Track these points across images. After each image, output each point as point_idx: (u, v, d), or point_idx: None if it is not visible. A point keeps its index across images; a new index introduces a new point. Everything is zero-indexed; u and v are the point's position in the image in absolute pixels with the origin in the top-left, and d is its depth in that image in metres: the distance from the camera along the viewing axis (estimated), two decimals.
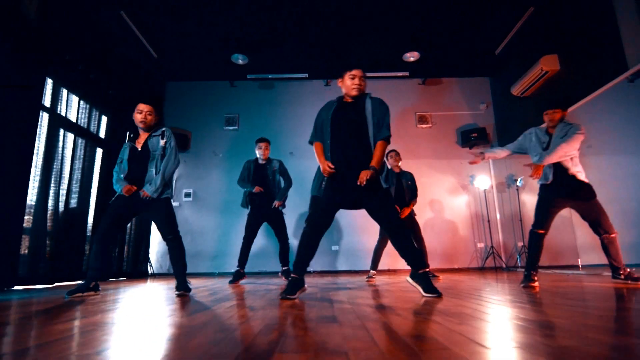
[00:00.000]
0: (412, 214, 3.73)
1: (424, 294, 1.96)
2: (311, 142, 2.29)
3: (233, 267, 4.25)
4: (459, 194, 5.73)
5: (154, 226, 5.46)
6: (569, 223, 5.26)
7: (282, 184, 3.86)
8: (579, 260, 4.47)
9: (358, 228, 5.46)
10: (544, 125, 2.76)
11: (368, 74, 5.83)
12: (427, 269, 3.66)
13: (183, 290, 2.37)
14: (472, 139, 5.66)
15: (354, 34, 4.93)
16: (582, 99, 3.91)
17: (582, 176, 2.57)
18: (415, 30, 4.83)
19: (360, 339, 0.97)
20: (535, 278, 2.52)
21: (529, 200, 5.54)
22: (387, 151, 3.78)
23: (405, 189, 3.71)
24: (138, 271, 5.06)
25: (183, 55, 5.35)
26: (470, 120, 5.99)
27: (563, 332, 0.99)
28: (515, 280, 3.13)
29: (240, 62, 5.43)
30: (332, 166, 2.05)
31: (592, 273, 3.85)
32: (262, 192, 3.68)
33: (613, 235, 2.53)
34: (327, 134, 2.16)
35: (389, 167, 3.82)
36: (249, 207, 3.76)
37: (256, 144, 3.81)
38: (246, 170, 3.83)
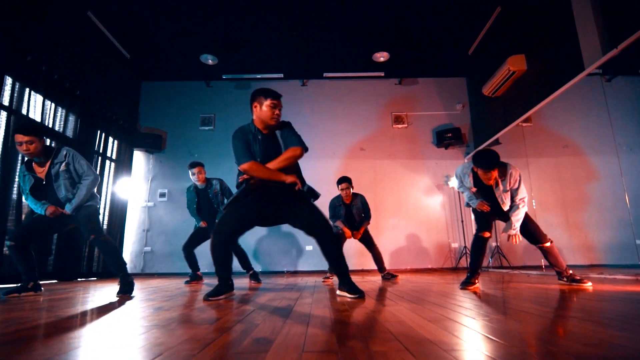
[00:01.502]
0: (367, 232, 3.72)
1: (350, 296, 1.97)
2: (240, 163, 2.05)
3: (205, 267, 4.26)
4: (433, 194, 5.72)
5: (127, 226, 5.47)
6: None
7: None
8: (542, 261, 4.46)
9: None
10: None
11: (343, 74, 5.90)
12: (386, 271, 3.68)
13: (122, 293, 2.34)
14: (447, 138, 5.65)
15: (325, 33, 4.93)
16: (545, 99, 3.90)
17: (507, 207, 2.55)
18: (384, 30, 4.84)
19: (325, 342, 0.97)
20: (477, 281, 2.51)
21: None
22: (340, 179, 3.69)
23: (354, 214, 3.69)
24: (109, 271, 5.06)
25: (156, 55, 5.36)
26: (447, 120, 5.99)
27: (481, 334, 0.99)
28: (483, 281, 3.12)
29: (210, 62, 5.44)
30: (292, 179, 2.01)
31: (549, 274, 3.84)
32: (206, 210, 3.71)
33: (548, 244, 2.53)
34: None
35: (342, 198, 3.73)
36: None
37: (189, 170, 3.69)
38: (192, 199, 3.75)
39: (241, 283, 3.34)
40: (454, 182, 5.50)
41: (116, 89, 5.42)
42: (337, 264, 2.07)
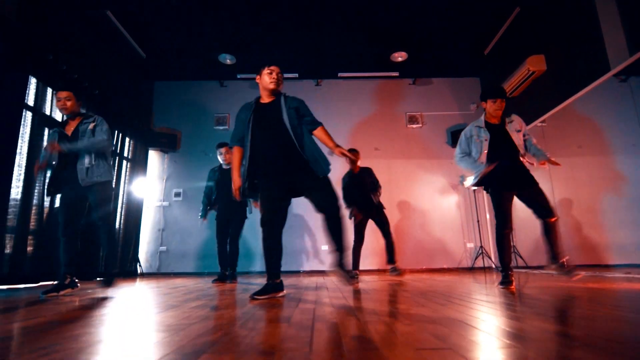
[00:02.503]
0: (381, 209, 3.75)
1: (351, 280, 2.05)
2: (231, 147, 2.34)
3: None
4: (448, 194, 5.73)
5: (143, 226, 5.47)
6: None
7: None
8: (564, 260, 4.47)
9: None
10: (480, 118, 2.70)
11: (358, 74, 5.91)
12: (395, 264, 3.67)
13: (106, 284, 2.41)
14: None
15: (342, 34, 4.93)
16: (567, 100, 3.90)
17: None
18: (403, 30, 4.84)
19: (297, 340, 0.97)
20: (512, 279, 2.51)
21: (517, 201, 5.52)
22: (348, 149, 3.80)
23: (366, 182, 3.73)
24: (127, 271, 5.06)
25: (171, 55, 5.35)
26: (461, 120, 5.99)
27: (517, 335, 0.99)
28: (497, 281, 3.13)
29: (228, 62, 5.44)
30: (239, 187, 2.17)
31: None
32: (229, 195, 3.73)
33: (555, 219, 2.48)
34: (247, 136, 2.19)
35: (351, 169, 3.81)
36: (215, 210, 3.78)
37: (217, 150, 3.75)
38: (212, 178, 3.81)
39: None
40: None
41: (131, 88, 5.42)
42: (337, 241, 2.09)
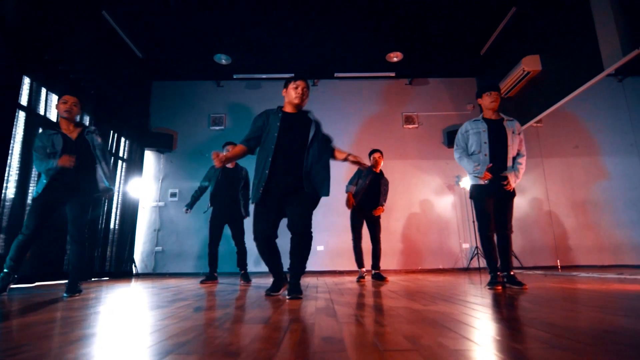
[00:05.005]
0: (379, 217, 3.76)
1: (287, 297, 2.02)
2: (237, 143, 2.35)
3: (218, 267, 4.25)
4: (444, 195, 5.72)
5: (138, 226, 5.47)
6: (548, 223, 5.25)
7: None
8: (557, 261, 4.46)
9: (344, 228, 5.45)
10: (478, 116, 2.73)
11: (354, 74, 5.90)
12: (378, 270, 3.62)
13: (71, 293, 2.34)
14: None
15: (338, 34, 4.93)
16: (562, 99, 3.90)
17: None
18: (399, 30, 4.83)
19: (268, 341, 0.96)
20: (500, 279, 2.51)
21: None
22: (373, 149, 3.85)
23: (381, 184, 3.72)
24: (122, 271, 5.06)
25: (168, 55, 5.36)
26: (457, 120, 5.98)
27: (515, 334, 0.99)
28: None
29: (224, 62, 5.44)
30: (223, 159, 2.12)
31: (570, 275, 3.84)
32: (230, 196, 3.70)
33: (512, 233, 2.56)
34: (271, 139, 2.19)
35: (371, 164, 3.78)
36: (211, 208, 3.77)
37: (223, 148, 3.77)
38: (212, 175, 3.81)
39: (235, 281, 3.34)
40: (464, 183, 5.50)
41: (128, 88, 5.42)
42: (299, 265, 2.16)
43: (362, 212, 3.68)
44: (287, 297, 2.00)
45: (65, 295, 2.31)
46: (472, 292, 2.25)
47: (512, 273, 2.49)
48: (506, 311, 1.45)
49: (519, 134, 2.64)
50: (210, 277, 3.59)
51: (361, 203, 3.66)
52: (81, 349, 0.91)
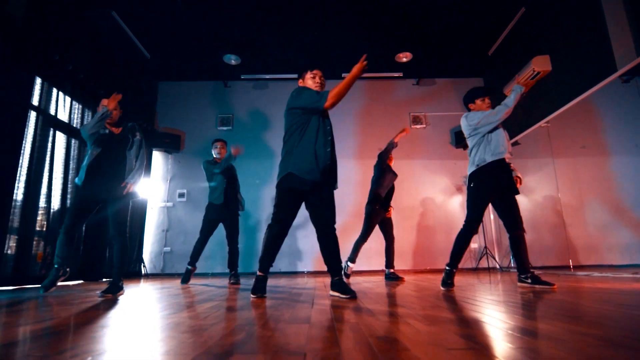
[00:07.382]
0: (390, 218, 3.77)
1: (342, 296, 1.97)
2: (323, 101, 2.09)
3: (226, 267, 4.23)
4: (452, 195, 5.73)
5: (147, 227, 5.46)
6: (561, 224, 5.27)
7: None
8: (569, 261, 4.47)
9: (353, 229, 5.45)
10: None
11: (362, 74, 5.89)
12: (392, 269, 3.64)
13: (108, 292, 2.35)
14: (465, 139, 5.65)
15: (346, 34, 4.93)
16: (572, 100, 3.91)
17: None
18: (408, 30, 4.84)
19: (323, 340, 0.96)
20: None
21: (521, 200, 5.53)
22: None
23: (393, 185, 3.74)
24: (131, 272, 5.05)
25: (175, 55, 5.35)
26: None
27: (542, 336, 0.99)
28: (507, 281, 3.12)
29: (233, 62, 5.43)
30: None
31: (584, 275, 3.85)
32: (230, 193, 3.72)
33: (523, 233, 2.44)
34: (314, 132, 2.15)
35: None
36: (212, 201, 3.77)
37: (212, 144, 3.80)
38: (212, 171, 3.78)
39: (221, 283, 3.34)
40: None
41: (135, 89, 5.41)
42: (333, 261, 2.11)
43: (382, 211, 3.68)
44: (345, 296, 1.94)
45: (99, 293, 2.34)
46: (490, 291, 2.25)
47: (533, 272, 2.46)
48: (544, 310, 1.45)
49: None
50: (187, 275, 3.60)
51: (385, 202, 3.68)
52: (134, 350, 0.90)
